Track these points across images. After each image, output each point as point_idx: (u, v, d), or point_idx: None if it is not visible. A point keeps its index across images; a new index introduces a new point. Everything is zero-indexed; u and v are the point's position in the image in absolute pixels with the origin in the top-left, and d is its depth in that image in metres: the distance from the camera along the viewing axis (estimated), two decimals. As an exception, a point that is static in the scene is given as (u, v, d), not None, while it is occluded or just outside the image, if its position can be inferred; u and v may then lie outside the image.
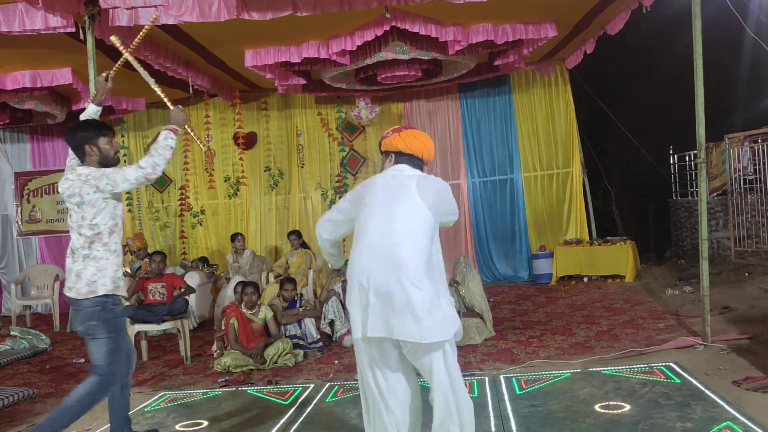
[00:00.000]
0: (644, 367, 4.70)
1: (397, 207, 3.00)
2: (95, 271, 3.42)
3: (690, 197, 10.55)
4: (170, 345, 6.90)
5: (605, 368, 4.77)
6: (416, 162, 3.21)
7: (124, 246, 8.85)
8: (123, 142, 10.36)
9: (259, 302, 6.08)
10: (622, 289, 8.26)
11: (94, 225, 3.42)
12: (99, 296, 3.41)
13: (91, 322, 3.44)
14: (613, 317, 6.64)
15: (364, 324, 2.91)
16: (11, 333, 7.24)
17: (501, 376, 4.78)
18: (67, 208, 3.53)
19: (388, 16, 6.18)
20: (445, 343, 2.93)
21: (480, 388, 4.53)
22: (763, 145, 8.26)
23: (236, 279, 7.68)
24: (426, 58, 7.46)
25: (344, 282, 6.67)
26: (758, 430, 3.38)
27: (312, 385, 4.96)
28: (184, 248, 10.28)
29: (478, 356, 5.52)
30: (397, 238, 2.92)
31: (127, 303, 6.51)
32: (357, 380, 5.01)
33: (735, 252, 8.60)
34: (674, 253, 10.44)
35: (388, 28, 6.46)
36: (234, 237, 8.71)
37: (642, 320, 6.39)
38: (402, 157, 3.19)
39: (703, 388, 4.08)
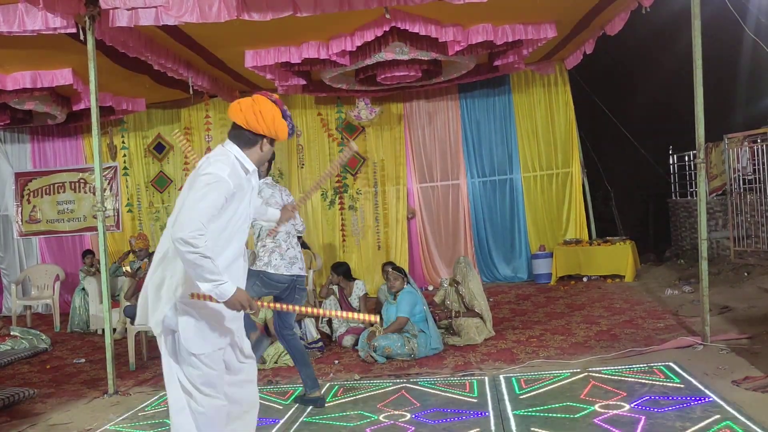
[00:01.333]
0: (644, 366, 4.71)
1: (182, 193, 2.89)
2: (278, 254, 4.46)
3: (689, 197, 10.55)
4: (170, 345, 6.91)
5: (605, 368, 4.78)
6: (240, 133, 2.87)
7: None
8: (123, 142, 10.37)
9: (259, 302, 6.08)
10: (621, 289, 8.26)
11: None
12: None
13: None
14: (612, 317, 6.65)
15: None
16: (11, 333, 7.26)
17: (501, 376, 4.79)
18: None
19: (387, 16, 6.19)
20: (163, 341, 2.88)
21: (480, 388, 4.54)
22: (762, 146, 8.27)
23: (236, 279, 7.68)
24: (426, 58, 7.47)
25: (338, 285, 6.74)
26: (758, 430, 3.38)
27: (312, 385, 4.98)
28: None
29: (477, 356, 5.53)
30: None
31: (128, 303, 6.53)
32: (357, 380, 5.05)
33: (734, 252, 8.61)
34: (674, 253, 10.44)
35: (387, 29, 6.47)
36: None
37: (641, 320, 6.40)
38: None
39: (702, 388, 4.09)
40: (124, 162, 10.39)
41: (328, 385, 4.95)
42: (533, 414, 3.92)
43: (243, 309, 2.80)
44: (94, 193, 10.12)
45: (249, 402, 3.13)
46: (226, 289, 2.69)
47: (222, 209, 2.74)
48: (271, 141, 2.94)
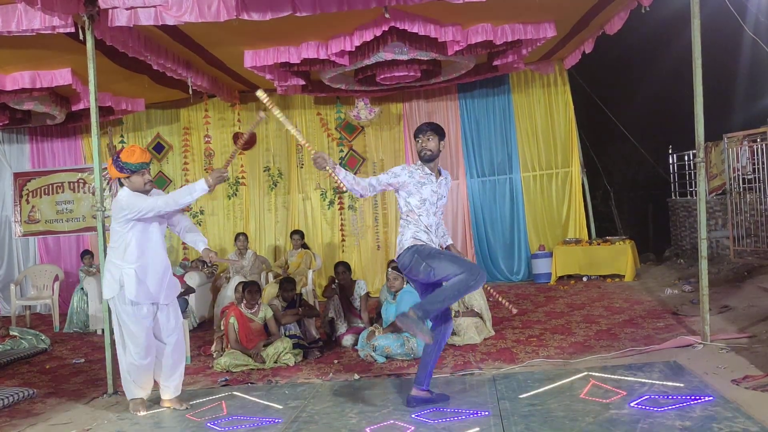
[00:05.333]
0: (643, 366, 4.70)
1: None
2: (402, 233, 4.36)
3: (689, 197, 10.56)
4: (170, 345, 6.90)
5: (604, 367, 4.78)
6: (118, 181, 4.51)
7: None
8: (122, 142, 10.35)
9: (259, 301, 6.09)
10: (621, 289, 8.27)
11: (408, 203, 4.42)
12: (405, 249, 4.23)
13: (411, 265, 4.16)
14: (612, 316, 6.65)
15: None
16: (11, 333, 7.24)
17: (500, 376, 4.79)
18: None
19: (387, 16, 6.18)
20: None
21: (479, 387, 4.54)
22: (762, 145, 8.27)
23: (236, 279, 7.69)
24: (425, 58, 7.47)
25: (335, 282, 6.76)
26: (757, 429, 3.38)
27: (312, 385, 4.97)
28: (185, 248, 10.28)
29: (477, 355, 5.53)
30: None
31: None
32: (357, 379, 5.04)
33: (734, 251, 8.61)
34: (673, 253, 10.45)
35: (387, 29, 6.46)
36: (236, 237, 8.70)
37: (641, 319, 6.40)
38: None
39: (702, 387, 4.08)
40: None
41: (327, 384, 4.95)
42: (533, 413, 3.91)
43: None
44: (93, 193, 10.12)
45: None
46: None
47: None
48: (128, 177, 4.36)
